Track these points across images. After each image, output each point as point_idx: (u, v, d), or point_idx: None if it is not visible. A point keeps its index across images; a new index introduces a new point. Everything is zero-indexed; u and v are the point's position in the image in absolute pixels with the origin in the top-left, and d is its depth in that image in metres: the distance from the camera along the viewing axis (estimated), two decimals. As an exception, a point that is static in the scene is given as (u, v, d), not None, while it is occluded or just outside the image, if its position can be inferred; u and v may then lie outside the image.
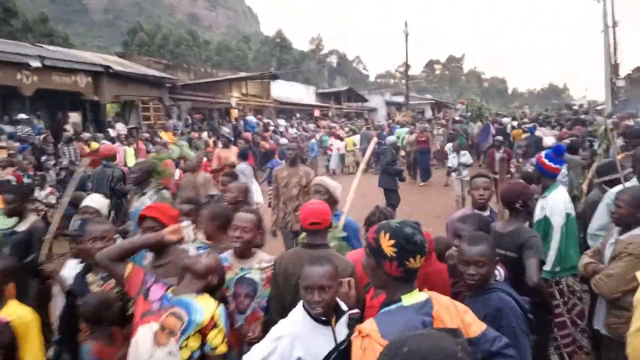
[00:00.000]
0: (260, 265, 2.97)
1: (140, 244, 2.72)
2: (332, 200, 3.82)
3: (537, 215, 3.96)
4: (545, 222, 3.81)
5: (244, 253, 3.00)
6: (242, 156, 8.90)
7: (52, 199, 8.14)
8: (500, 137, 10.91)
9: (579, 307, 3.78)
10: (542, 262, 3.00)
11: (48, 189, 8.38)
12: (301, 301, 2.27)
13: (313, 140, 18.67)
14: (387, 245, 1.75)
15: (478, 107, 18.10)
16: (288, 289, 2.77)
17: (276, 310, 2.76)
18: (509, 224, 3.26)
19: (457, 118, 19.72)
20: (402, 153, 15.51)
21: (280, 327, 2.20)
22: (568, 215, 3.76)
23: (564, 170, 6.32)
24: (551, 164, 3.93)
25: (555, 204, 3.78)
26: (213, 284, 2.46)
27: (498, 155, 9.56)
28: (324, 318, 2.20)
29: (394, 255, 1.74)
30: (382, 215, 3.34)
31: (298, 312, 2.24)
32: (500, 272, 2.65)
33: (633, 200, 2.92)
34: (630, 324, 2.38)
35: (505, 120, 18.52)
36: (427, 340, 1.19)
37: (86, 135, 12.57)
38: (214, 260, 2.52)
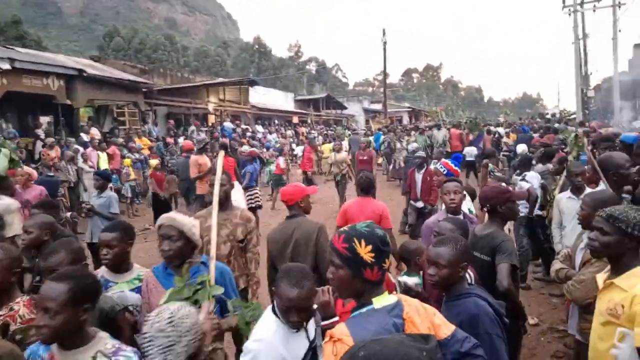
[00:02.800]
0: None
1: None
2: (189, 245, 2.69)
3: None
4: None
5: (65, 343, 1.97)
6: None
7: None
8: (423, 154, 8.59)
9: None
10: (515, 267, 2.99)
11: None
12: (269, 307, 2.24)
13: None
14: (365, 252, 1.70)
15: (473, 118, 18.69)
16: (277, 253, 3.65)
17: (270, 270, 3.69)
18: (486, 227, 3.25)
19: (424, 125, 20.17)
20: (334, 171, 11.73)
21: (258, 332, 2.14)
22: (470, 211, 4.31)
23: (537, 180, 6.43)
24: (453, 165, 4.72)
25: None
26: None
27: (418, 176, 7.89)
28: (294, 330, 2.16)
29: (373, 261, 1.71)
30: (367, 178, 4.72)
31: (271, 320, 2.17)
32: (470, 275, 2.65)
33: (593, 202, 2.97)
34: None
35: (500, 130, 18.63)
36: (387, 345, 1.15)
37: (50, 140, 12.23)
38: None
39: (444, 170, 4.66)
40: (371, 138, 17.82)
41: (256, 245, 3.96)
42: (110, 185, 7.04)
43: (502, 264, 2.90)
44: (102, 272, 2.85)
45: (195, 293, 2.36)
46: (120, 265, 2.88)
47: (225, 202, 3.79)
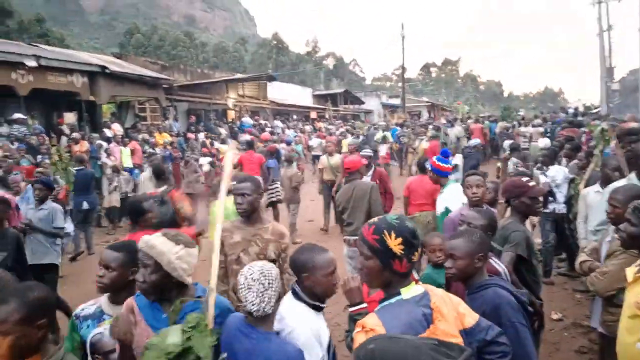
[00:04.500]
0: None
1: None
2: (170, 279, 2.08)
3: (439, 209, 4.69)
4: (447, 214, 4.44)
5: None
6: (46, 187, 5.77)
7: None
8: (369, 152, 7.94)
9: None
10: (522, 258, 2.99)
11: None
12: (289, 293, 2.31)
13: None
14: (395, 244, 1.72)
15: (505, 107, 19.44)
16: (343, 205, 5.21)
17: (340, 221, 5.59)
18: (507, 219, 3.28)
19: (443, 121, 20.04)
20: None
21: (292, 319, 2.20)
22: (464, 204, 4.31)
23: (562, 174, 6.32)
24: (442, 164, 4.79)
25: (451, 196, 4.52)
26: None
27: (366, 179, 6.58)
28: (323, 305, 2.29)
29: (402, 253, 1.72)
30: (425, 159, 6.44)
31: (297, 305, 2.24)
32: (504, 269, 2.65)
33: (627, 199, 2.91)
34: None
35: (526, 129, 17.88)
36: (400, 345, 1.13)
37: (76, 134, 12.48)
38: None
39: (430, 168, 4.81)
40: (388, 133, 17.75)
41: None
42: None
43: (505, 253, 2.96)
44: (101, 301, 2.41)
45: (188, 339, 1.89)
46: (121, 294, 2.34)
47: (253, 215, 3.24)
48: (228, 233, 3.19)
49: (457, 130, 16.52)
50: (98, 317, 2.34)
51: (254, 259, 3.05)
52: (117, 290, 2.34)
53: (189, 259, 2.10)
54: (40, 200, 5.49)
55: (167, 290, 2.09)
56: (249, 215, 3.22)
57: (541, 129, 15.08)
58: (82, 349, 2.30)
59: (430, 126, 18.07)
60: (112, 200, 10.27)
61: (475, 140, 12.00)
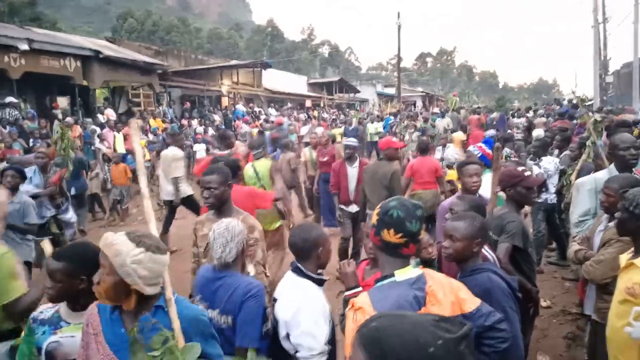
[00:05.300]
0: None
1: None
2: (123, 283, 1.74)
3: None
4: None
5: None
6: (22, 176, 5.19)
7: None
8: (354, 142, 6.64)
9: None
10: (518, 249, 3.02)
11: None
12: (290, 272, 2.42)
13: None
14: (375, 213, 1.89)
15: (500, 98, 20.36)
16: (367, 181, 5.57)
17: (363, 196, 5.66)
18: (504, 207, 3.29)
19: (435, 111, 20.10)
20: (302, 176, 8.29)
21: (301, 293, 2.32)
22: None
23: (554, 165, 6.40)
24: (487, 148, 4.81)
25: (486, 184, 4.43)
26: None
27: (352, 170, 6.34)
28: (327, 278, 2.46)
29: (375, 224, 1.87)
30: (424, 141, 7.16)
31: (302, 281, 2.35)
32: (493, 256, 2.70)
33: (622, 188, 2.95)
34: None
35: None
36: (402, 322, 1.12)
37: (69, 119, 12.34)
38: None
39: (478, 154, 4.63)
40: (380, 123, 17.75)
41: (262, 262, 3.17)
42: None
43: (501, 243, 2.98)
44: (60, 306, 2.17)
45: None
46: (77, 301, 2.11)
47: (222, 207, 3.19)
48: (199, 225, 3.28)
49: (446, 121, 16.29)
50: (55, 323, 2.09)
51: None
52: (71, 299, 2.11)
53: (151, 265, 1.75)
54: (12, 190, 4.88)
55: (124, 297, 1.79)
56: (218, 207, 3.19)
57: (544, 119, 15.04)
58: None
59: (420, 117, 17.99)
60: (93, 187, 10.21)
61: (492, 132, 11.83)
